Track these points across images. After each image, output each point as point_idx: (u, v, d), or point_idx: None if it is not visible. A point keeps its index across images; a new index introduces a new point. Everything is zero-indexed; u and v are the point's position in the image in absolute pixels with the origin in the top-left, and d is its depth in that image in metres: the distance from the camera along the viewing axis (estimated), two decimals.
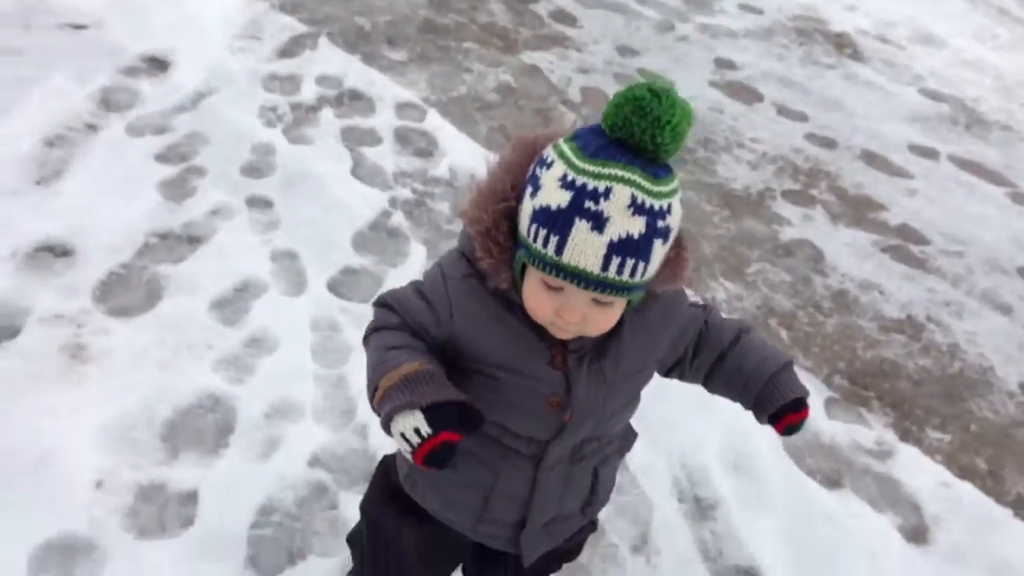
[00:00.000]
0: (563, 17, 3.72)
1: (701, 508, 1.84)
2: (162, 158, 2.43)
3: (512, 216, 1.07)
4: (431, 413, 1.04)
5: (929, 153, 3.31)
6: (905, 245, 2.79)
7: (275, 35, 3.09)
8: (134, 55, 2.82)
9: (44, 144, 2.40)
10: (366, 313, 1.93)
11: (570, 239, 0.99)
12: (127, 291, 2.04)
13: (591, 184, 0.99)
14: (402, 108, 2.87)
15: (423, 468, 1.05)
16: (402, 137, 2.74)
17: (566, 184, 0.99)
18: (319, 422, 1.84)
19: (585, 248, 0.99)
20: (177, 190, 2.35)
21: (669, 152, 0.99)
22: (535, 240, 1.01)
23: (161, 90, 2.70)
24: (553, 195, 1.00)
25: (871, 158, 3.20)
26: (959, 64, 4.00)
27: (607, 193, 0.98)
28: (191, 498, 1.66)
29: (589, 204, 0.98)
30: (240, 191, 2.38)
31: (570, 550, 1.46)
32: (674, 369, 1.30)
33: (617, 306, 1.06)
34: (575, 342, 1.12)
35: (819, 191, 2.97)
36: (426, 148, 2.72)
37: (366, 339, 1.17)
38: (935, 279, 2.66)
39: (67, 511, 1.59)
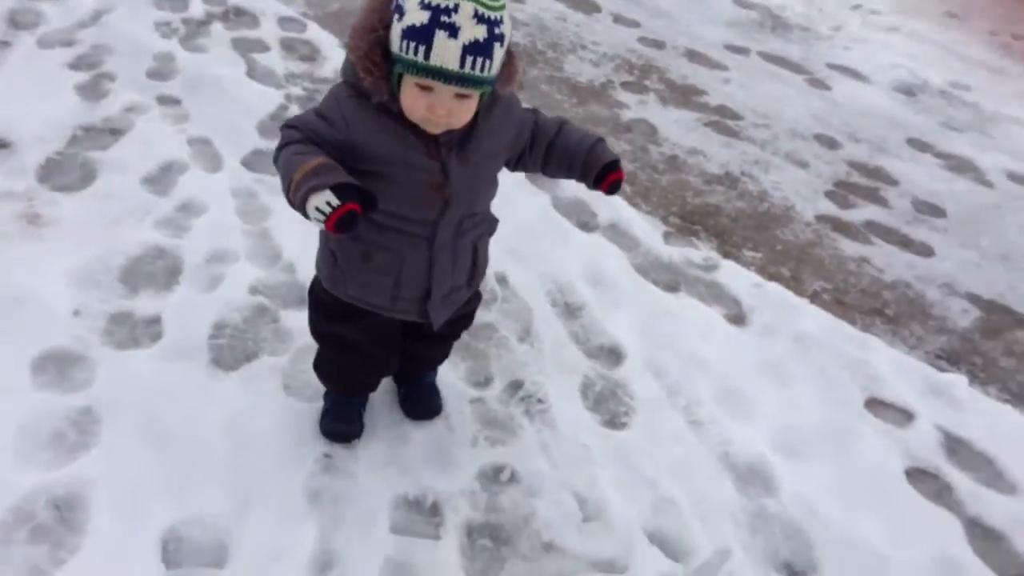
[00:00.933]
0: None
1: (570, 309, 2.31)
2: (74, 66, 2.71)
3: (382, 44, 1.38)
4: (337, 190, 1.34)
5: (741, 51, 3.87)
6: (723, 120, 3.33)
7: None
8: None
9: None
10: (278, 184, 2.32)
11: (434, 47, 1.31)
12: (65, 173, 2.34)
13: (443, 3, 1.30)
14: (284, 22, 3.20)
15: (334, 235, 1.37)
16: (287, 46, 3.08)
17: (424, 6, 1.31)
18: (252, 263, 2.20)
19: (445, 52, 1.31)
20: (92, 92, 2.63)
21: None
22: (407, 53, 1.33)
23: (62, 10, 2.95)
24: (416, 16, 1.31)
25: (693, 55, 3.74)
26: None
27: (456, 8, 1.30)
28: (155, 321, 2.01)
29: (444, 18, 1.30)
30: (149, 92, 2.68)
31: (468, 315, 1.85)
32: (519, 162, 1.66)
33: (473, 99, 1.39)
34: (444, 135, 1.45)
35: (651, 82, 3.47)
36: (309, 54, 3.06)
37: (276, 155, 1.48)
38: (747, 144, 3.21)
39: (54, 332, 1.91)
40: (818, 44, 4.02)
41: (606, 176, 1.63)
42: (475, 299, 1.83)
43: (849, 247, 2.79)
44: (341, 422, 1.86)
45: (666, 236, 2.65)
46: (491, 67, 1.36)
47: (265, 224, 2.32)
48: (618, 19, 3.92)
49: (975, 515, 1.98)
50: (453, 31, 1.31)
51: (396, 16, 1.37)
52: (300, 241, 2.27)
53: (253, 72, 2.89)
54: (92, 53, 2.78)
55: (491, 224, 1.71)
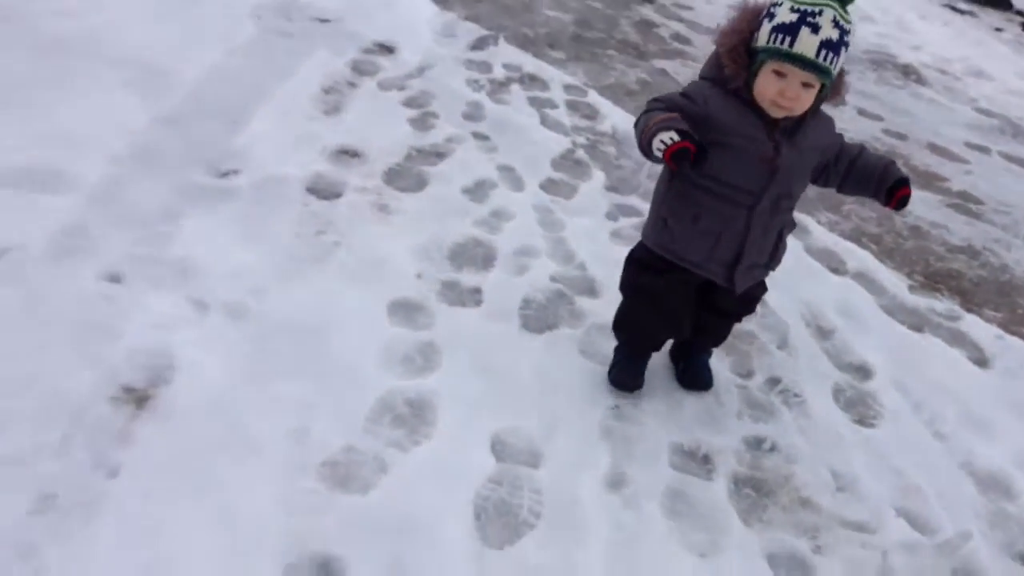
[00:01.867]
0: (680, 39, 4.58)
1: (822, 331, 2.58)
2: (406, 104, 3.28)
3: (746, 42, 1.81)
4: (680, 133, 1.71)
5: (982, 149, 4.08)
6: (964, 203, 3.55)
7: (465, 35, 3.97)
8: (369, 41, 3.70)
9: (323, 91, 3.26)
10: (571, 205, 2.77)
11: (799, 38, 1.71)
12: (404, 179, 2.86)
13: (810, 8, 1.72)
14: (568, 88, 3.71)
15: (668, 164, 1.73)
16: (572, 106, 3.58)
17: (794, 10, 1.72)
18: (551, 259, 2.61)
19: (807, 43, 1.71)
20: (421, 124, 3.18)
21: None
22: (775, 43, 1.73)
23: (394, 64, 3.57)
24: (786, 16, 1.73)
25: (935, 148, 3.98)
26: (1006, 92, 4.79)
27: (820, 12, 1.71)
28: (477, 290, 2.43)
29: (809, 19, 1.71)
30: (465, 128, 3.21)
31: (754, 299, 2.17)
32: (823, 173, 2.02)
33: (813, 91, 1.77)
34: (783, 122, 1.85)
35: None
36: (590, 114, 3.54)
37: (638, 119, 1.87)
38: (988, 225, 3.41)
39: (403, 287, 2.36)
40: None
41: (896, 191, 1.95)
42: (763, 287, 2.14)
43: None
44: (628, 375, 2.20)
45: (911, 288, 2.89)
46: (836, 63, 1.75)
47: (561, 234, 2.74)
48: (862, 112, 4.23)
49: None
50: (815, 29, 1.72)
51: (767, 18, 1.78)
52: (589, 248, 2.68)
53: (545, 122, 3.39)
54: (419, 96, 3.35)
55: (794, 221, 2.05)
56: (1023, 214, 3.58)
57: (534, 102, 3.53)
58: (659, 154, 1.74)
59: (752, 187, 1.90)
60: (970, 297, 2.92)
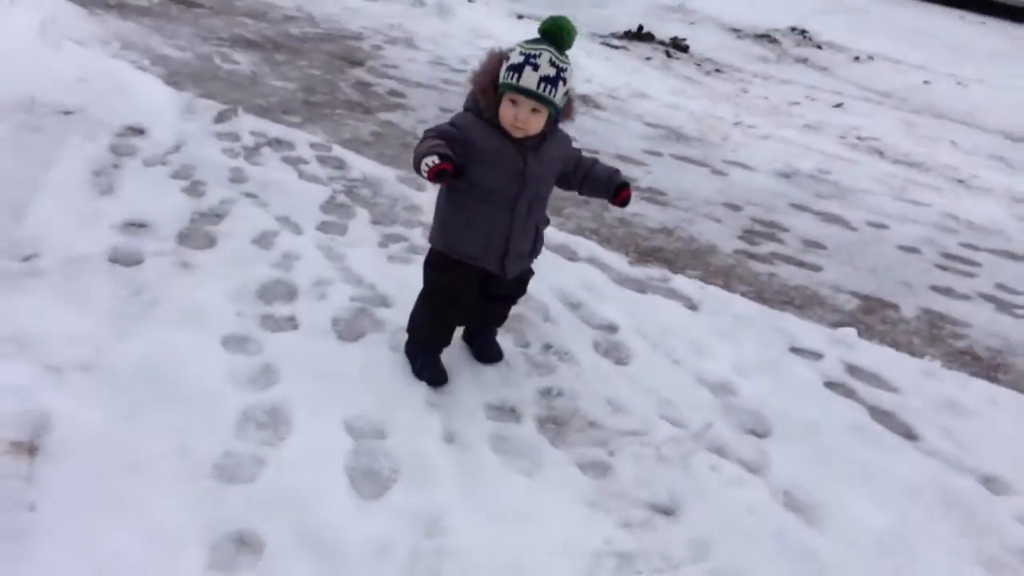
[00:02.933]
0: (396, 94, 5.15)
1: (572, 304, 3.18)
2: (175, 176, 3.57)
3: (494, 81, 2.34)
4: (440, 156, 2.20)
5: (656, 153, 4.98)
6: (653, 196, 4.38)
7: (206, 111, 4.29)
8: (119, 126, 3.93)
9: (92, 175, 3.47)
10: (346, 240, 3.22)
11: (523, 75, 2.25)
12: (195, 240, 3.15)
13: (533, 52, 2.27)
14: (313, 145, 4.15)
15: (430, 179, 2.21)
16: (321, 160, 4.02)
17: (522, 54, 2.27)
18: (345, 284, 3.04)
19: (529, 78, 2.25)
20: (194, 192, 3.48)
21: (566, 45, 2.33)
22: (507, 79, 2.27)
23: (149, 143, 3.83)
24: (516, 59, 2.27)
25: (621, 156, 4.81)
26: (663, 107, 5.80)
27: (539, 55, 2.26)
28: (291, 319, 2.80)
29: (532, 60, 2.26)
30: (234, 189, 3.55)
31: (525, 282, 2.69)
32: (565, 180, 2.59)
33: (542, 115, 2.31)
34: (526, 141, 2.38)
35: None
36: (339, 164, 4.00)
37: (416, 148, 2.33)
38: (673, 210, 4.24)
39: (228, 325, 2.70)
40: (712, 149, 5.17)
41: (619, 192, 2.56)
42: (530, 271, 2.68)
43: (761, 267, 3.79)
44: (435, 371, 2.63)
45: (630, 263, 3.60)
46: (555, 93, 2.31)
47: (345, 264, 3.17)
48: None
49: (872, 404, 2.90)
50: (536, 67, 2.27)
51: (505, 61, 2.32)
52: (373, 271, 3.13)
53: (303, 176, 3.81)
54: (183, 168, 3.65)
55: (546, 218, 2.60)
56: (698, 199, 4.46)
57: (287, 160, 3.93)
58: (425, 174, 2.25)
59: (510, 193, 2.43)
60: (673, 264, 3.68)
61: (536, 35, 2.36)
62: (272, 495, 2.11)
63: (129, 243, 3.05)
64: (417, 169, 2.29)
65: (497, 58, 2.40)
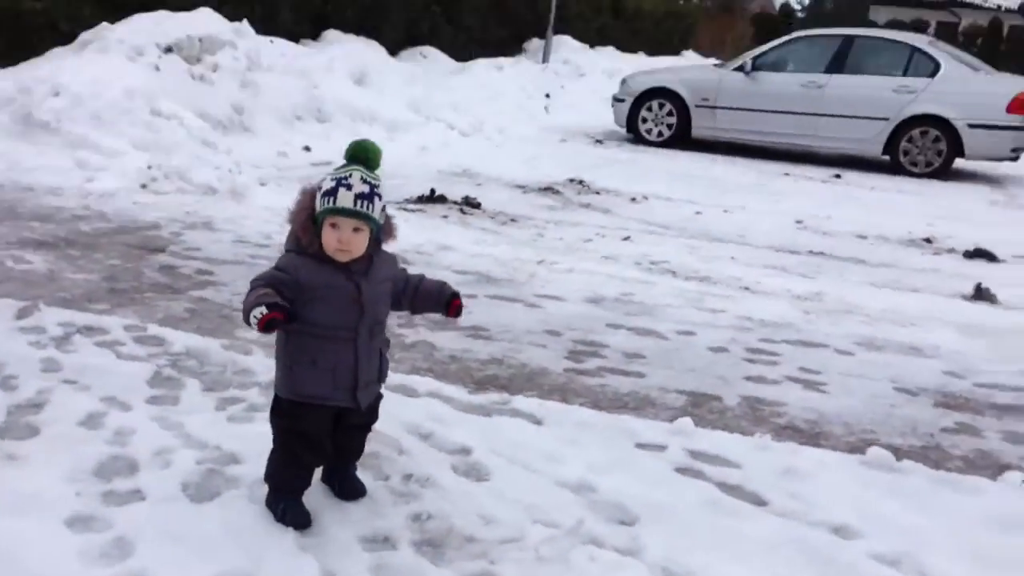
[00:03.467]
0: (204, 272, 5.12)
1: (423, 435, 3.22)
2: None
3: (311, 216, 2.41)
4: (268, 306, 2.25)
5: (471, 295, 5.17)
6: (478, 333, 4.52)
7: (4, 309, 4.06)
8: None
9: None
10: (182, 409, 3.15)
11: (338, 196, 2.32)
12: (15, 431, 2.99)
13: (343, 175, 2.35)
14: (127, 327, 4.02)
15: (260, 332, 2.28)
16: (138, 340, 3.88)
17: (333, 179, 2.35)
18: (189, 449, 2.94)
19: (344, 197, 2.31)
20: (7, 386, 3.31)
21: (374, 164, 2.41)
22: (323, 205, 2.34)
23: None
24: (328, 184, 2.33)
25: None
26: (470, 256, 6.06)
27: (350, 175, 2.33)
28: (136, 491, 2.68)
29: (344, 181, 2.34)
30: (50, 379, 3.39)
31: (375, 409, 2.70)
32: (396, 302, 2.66)
33: (364, 233, 2.36)
34: (354, 265, 2.43)
35: (417, 318, 4.63)
36: (159, 341, 3.90)
37: (244, 300, 2.38)
38: (498, 343, 4.40)
39: (69, 506, 2.55)
40: (522, 286, 5.40)
41: (451, 302, 2.67)
42: (379, 398, 2.70)
43: (591, 380, 3.97)
44: (298, 514, 2.55)
45: (469, 392, 3.67)
46: (373, 209, 2.39)
47: (186, 431, 3.07)
48: None
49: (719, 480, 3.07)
50: (349, 187, 2.35)
51: (318, 191, 2.40)
52: (214, 432, 3.05)
53: (121, 356, 3.68)
54: None
55: (387, 340, 2.67)
56: (519, 330, 4.64)
57: (101, 344, 3.79)
58: (255, 326, 2.29)
59: (349, 324, 2.46)
60: (510, 387, 3.79)
61: (343, 163, 2.45)
62: None
63: None
64: (247, 321, 2.32)
65: (309, 194, 2.47)
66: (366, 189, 2.38)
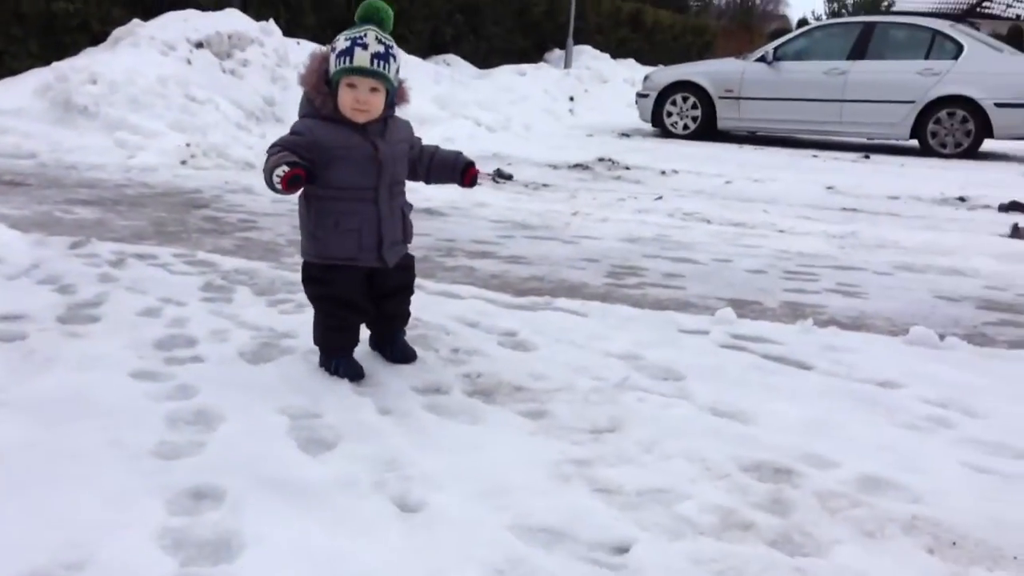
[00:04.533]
0: (247, 221, 5.23)
1: (468, 323, 3.29)
2: (40, 283, 3.48)
3: (324, 77, 2.43)
4: (288, 164, 2.27)
5: (508, 236, 5.24)
6: (512, 259, 4.59)
7: (58, 243, 4.17)
8: None
9: None
10: (231, 309, 3.23)
11: (355, 55, 2.33)
12: (76, 322, 3.08)
13: (358, 35, 2.36)
14: (178, 255, 4.13)
15: (284, 190, 2.29)
16: (188, 262, 4.00)
17: (347, 39, 2.36)
18: (244, 331, 3.02)
19: (361, 56, 2.33)
20: (65, 291, 3.41)
21: (386, 26, 2.41)
22: (340, 64, 2.34)
23: (4, 266, 3.72)
24: (343, 45, 2.35)
25: (476, 241, 5.04)
26: (505, 209, 6.15)
27: (365, 35, 2.35)
28: (196, 358, 2.77)
29: (359, 40, 2.35)
30: (106, 286, 3.50)
31: (410, 267, 2.73)
32: (411, 171, 2.64)
33: (381, 93, 2.39)
34: (370, 127, 2.45)
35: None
36: (210, 263, 4.00)
37: (264, 165, 2.43)
38: (536, 266, 4.46)
39: (133, 365, 2.63)
40: (558, 231, 5.45)
41: (467, 171, 2.68)
42: (411, 258, 2.72)
43: (632, 292, 4.01)
44: (351, 367, 2.61)
45: (512, 296, 3.74)
46: (389, 69, 2.42)
47: (239, 319, 3.15)
48: None
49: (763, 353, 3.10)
50: (365, 47, 2.36)
51: (332, 51, 2.41)
52: (268, 320, 3.13)
53: (174, 272, 3.78)
54: (48, 278, 3.51)
55: (409, 204, 2.67)
56: (557, 258, 4.70)
57: (154, 265, 3.89)
58: (278, 186, 2.31)
59: (369, 183, 2.48)
60: (552, 295, 3.85)
61: (355, 24, 2.43)
62: (220, 461, 2.06)
63: (7, 328, 2.94)
64: (270, 184, 2.35)
65: (320, 57, 2.49)
66: (381, 49, 2.39)
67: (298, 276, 3.74)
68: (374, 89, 2.41)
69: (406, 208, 2.65)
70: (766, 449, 2.27)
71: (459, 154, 2.72)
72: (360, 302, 2.62)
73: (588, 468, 2.13)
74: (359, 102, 2.41)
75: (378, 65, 2.38)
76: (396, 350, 2.79)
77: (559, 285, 4.08)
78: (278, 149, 2.41)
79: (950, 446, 2.38)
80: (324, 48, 2.50)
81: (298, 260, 3.49)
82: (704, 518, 1.92)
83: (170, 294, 3.42)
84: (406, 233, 2.65)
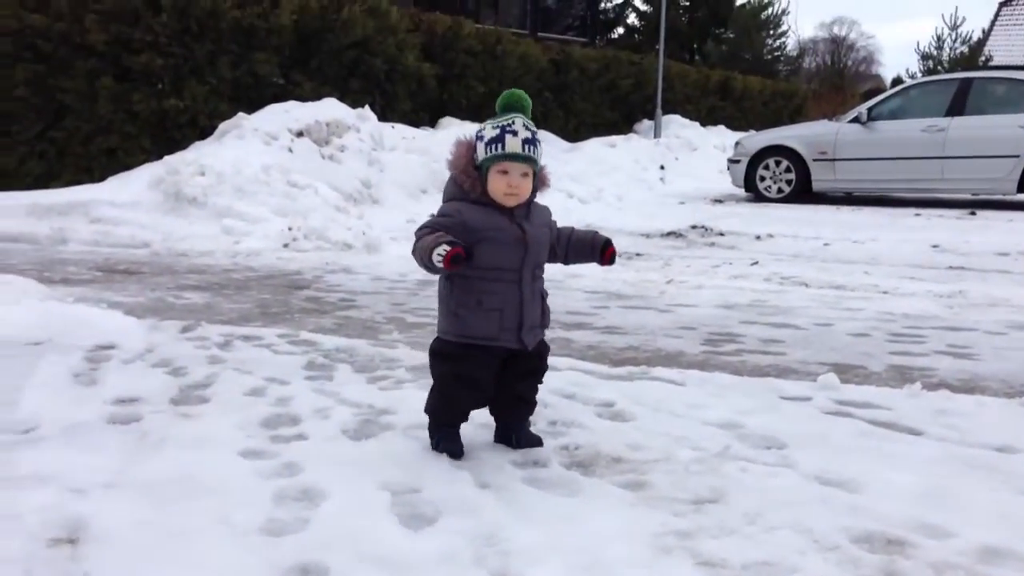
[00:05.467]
0: (347, 300, 5.37)
1: (565, 395, 3.28)
2: (154, 366, 3.64)
3: (473, 162, 2.50)
4: (448, 243, 2.30)
5: (603, 307, 5.25)
6: (608, 330, 4.58)
7: (170, 327, 4.38)
8: (89, 345, 3.99)
9: (73, 376, 3.52)
10: (321, 387, 3.29)
11: (506, 143, 2.40)
12: (187, 403, 3.20)
13: (506, 122, 2.43)
14: (282, 336, 4.27)
15: (447, 268, 2.29)
16: (291, 341, 4.13)
17: (495, 127, 2.42)
18: (345, 408, 3.09)
19: (513, 143, 2.40)
20: (178, 373, 3.55)
21: (528, 113, 2.49)
22: (490, 152, 2.41)
23: (122, 352, 3.89)
24: (492, 133, 2.41)
25: (571, 313, 5.06)
26: (600, 280, 6.17)
27: (513, 122, 2.42)
28: (300, 436, 2.84)
29: (508, 128, 2.42)
30: (217, 367, 3.63)
31: (544, 355, 2.68)
32: (551, 253, 2.59)
33: (530, 178, 2.44)
34: (517, 211, 2.47)
35: None
36: (312, 343, 4.12)
37: (413, 251, 2.46)
38: (632, 336, 4.44)
39: (243, 445, 2.71)
40: (652, 299, 5.44)
41: (605, 251, 2.64)
42: (546, 347, 2.69)
43: (730, 359, 3.95)
44: (452, 443, 2.61)
45: (609, 367, 3.73)
46: (537, 153, 2.48)
47: (340, 396, 3.23)
48: None
49: (871, 419, 3.01)
50: (515, 133, 2.43)
51: (479, 141, 2.47)
52: (369, 397, 3.19)
53: (278, 352, 3.91)
54: (162, 361, 3.69)
55: (546, 290, 2.65)
56: (653, 327, 4.69)
57: (259, 346, 4.02)
58: (440, 264, 2.34)
59: (514, 265, 2.48)
60: (649, 364, 3.83)
61: (497, 113, 2.51)
62: (325, 537, 2.09)
63: (124, 411, 3.06)
64: (427, 264, 2.38)
65: (466, 144, 2.54)
66: (530, 134, 2.46)
67: (396, 352, 3.87)
68: (524, 174, 2.47)
69: (544, 293, 2.65)
70: (877, 519, 2.20)
71: (596, 233, 2.72)
72: (486, 383, 2.58)
73: (691, 540, 2.09)
74: (511, 187, 2.46)
75: (528, 150, 2.45)
76: (522, 438, 2.71)
77: (655, 354, 4.05)
78: (429, 230, 2.44)
79: None
80: (468, 136, 2.56)
81: (396, 337, 3.57)
82: None
83: (275, 374, 3.51)
84: (544, 317, 2.64)
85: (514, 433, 2.71)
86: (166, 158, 8.78)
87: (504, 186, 2.46)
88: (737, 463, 2.57)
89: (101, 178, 9.32)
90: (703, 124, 21.26)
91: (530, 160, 2.46)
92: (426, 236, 2.43)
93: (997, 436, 2.81)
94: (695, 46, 31.66)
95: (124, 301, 5.09)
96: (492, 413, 2.73)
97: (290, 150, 9.29)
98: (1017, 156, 11.92)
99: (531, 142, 2.46)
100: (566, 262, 2.74)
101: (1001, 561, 1.99)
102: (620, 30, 32.15)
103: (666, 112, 19.86)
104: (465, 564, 1.98)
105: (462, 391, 2.59)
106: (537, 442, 2.70)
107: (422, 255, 2.40)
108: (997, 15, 39.58)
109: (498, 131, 2.45)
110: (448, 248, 2.33)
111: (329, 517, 2.19)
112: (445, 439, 2.64)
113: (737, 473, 2.50)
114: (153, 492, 2.32)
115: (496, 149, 2.44)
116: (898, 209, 11.91)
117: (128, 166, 9.48)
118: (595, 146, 16.23)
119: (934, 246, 8.02)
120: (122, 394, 3.24)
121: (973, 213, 11.20)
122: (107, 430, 2.87)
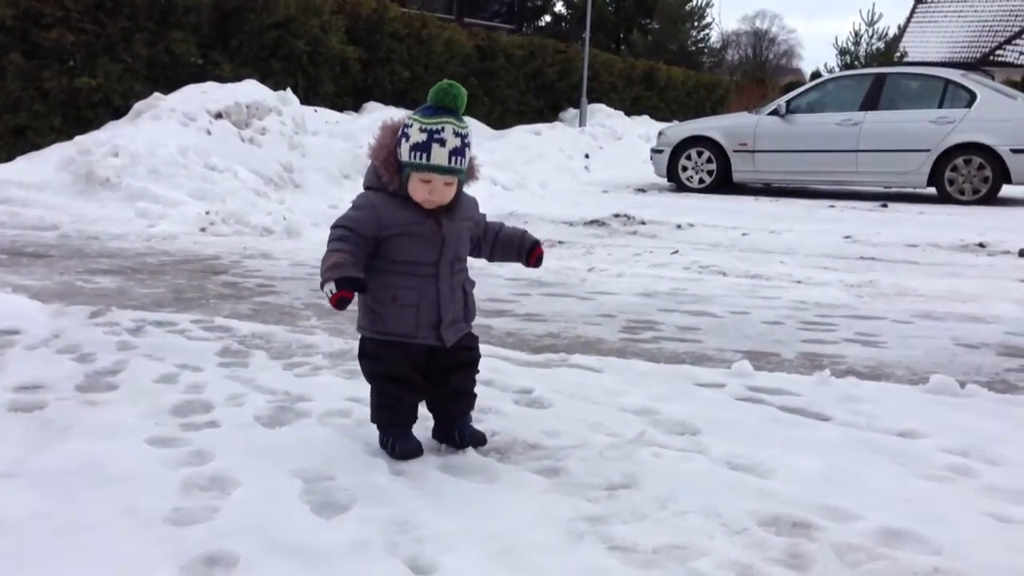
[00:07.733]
0: (265, 286, 5.27)
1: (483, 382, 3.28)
2: (60, 352, 3.52)
3: (394, 154, 2.33)
4: (338, 283, 2.20)
5: (525, 294, 5.26)
6: (528, 318, 4.59)
7: (78, 312, 4.24)
8: None
9: None
10: (247, 374, 3.23)
11: (432, 153, 2.24)
12: (94, 390, 3.11)
13: (435, 127, 2.26)
14: (196, 321, 4.17)
15: (335, 307, 2.23)
16: (207, 328, 4.04)
17: (423, 131, 2.26)
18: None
19: (439, 154, 2.25)
20: (85, 360, 3.44)
21: (461, 111, 2.31)
22: (415, 159, 2.26)
23: (26, 337, 3.76)
24: (418, 136, 2.26)
25: (493, 300, 5.06)
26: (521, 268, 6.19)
27: (442, 129, 2.26)
28: (212, 424, 2.78)
29: (436, 136, 2.25)
30: (127, 353, 3.53)
31: (474, 347, 2.58)
32: (475, 248, 2.54)
33: (455, 185, 2.32)
34: (438, 209, 2.35)
35: None
36: (227, 329, 4.03)
37: (323, 261, 2.34)
38: (552, 323, 4.46)
39: (152, 434, 2.64)
40: (574, 287, 5.47)
41: (532, 251, 2.60)
42: (474, 339, 2.58)
43: (648, 346, 4.00)
44: (408, 444, 2.48)
45: (528, 354, 3.74)
46: (463, 163, 2.33)
47: (255, 383, 3.17)
48: None
49: (781, 405, 3.07)
50: (442, 143, 2.27)
51: (403, 139, 2.32)
52: (284, 384, 3.14)
53: (192, 338, 3.82)
54: (68, 347, 3.58)
55: (472, 281, 2.56)
56: (573, 315, 4.71)
57: (172, 332, 3.93)
58: (328, 301, 2.25)
59: (430, 259, 2.38)
60: (568, 351, 3.85)
61: (428, 103, 2.33)
62: (235, 525, 2.06)
63: (26, 398, 2.97)
64: (323, 288, 2.29)
65: (390, 130, 2.39)
66: (459, 143, 2.31)
67: (314, 339, 3.82)
68: (448, 183, 2.34)
69: (468, 286, 2.54)
70: (784, 503, 2.25)
71: (524, 233, 2.64)
72: (414, 379, 2.49)
73: (603, 525, 2.11)
74: (433, 196, 2.34)
75: (456, 162, 2.31)
76: (466, 436, 2.59)
77: (575, 341, 4.08)
78: (339, 235, 2.34)
79: (972, 496, 2.34)
80: (394, 120, 2.41)
81: (314, 323, 3.53)
82: (721, 574, 1.89)
83: (187, 360, 3.44)
84: (468, 312, 2.54)
85: (457, 430, 2.59)
86: (77, 138, 8.50)
87: (425, 193, 2.34)
88: (651, 449, 2.60)
89: (9, 158, 8.99)
90: (628, 114, 21.44)
91: (456, 172, 2.33)
92: (331, 252, 2.32)
93: (901, 422, 2.89)
94: (621, 36, 32.00)
95: (30, 285, 4.91)
96: (429, 409, 2.62)
97: (208, 132, 9.07)
98: (928, 150, 12.26)
99: (459, 152, 2.31)
100: (491, 259, 2.67)
101: (902, 543, 2.05)
102: (547, 18, 32.26)
103: (591, 101, 20.00)
104: (378, 552, 1.96)
105: (395, 389, 2.49)
106: (481, 439, 2.58)
107: (321, 275, 2.30)
108: (913, 12, 40.82)
109: (425, 136, 2.29)
110: (335, 289, 2.24)
111: (239, 505, 2.16)
112: (399, 440, 2.51)
113: (650, 459, 2.53)
114: (55, 482, 2.25)
115: (421, 158, 2.30)
116: (814, 200, 12.19)
117: (38, 145, 9.16)
118: (520, 134, 16.24)
119: (846, 237, 8.23)
120: (25, 381, 3.14)
121: (885, 205, 11.52)
122: (7, 417, 2.78)
